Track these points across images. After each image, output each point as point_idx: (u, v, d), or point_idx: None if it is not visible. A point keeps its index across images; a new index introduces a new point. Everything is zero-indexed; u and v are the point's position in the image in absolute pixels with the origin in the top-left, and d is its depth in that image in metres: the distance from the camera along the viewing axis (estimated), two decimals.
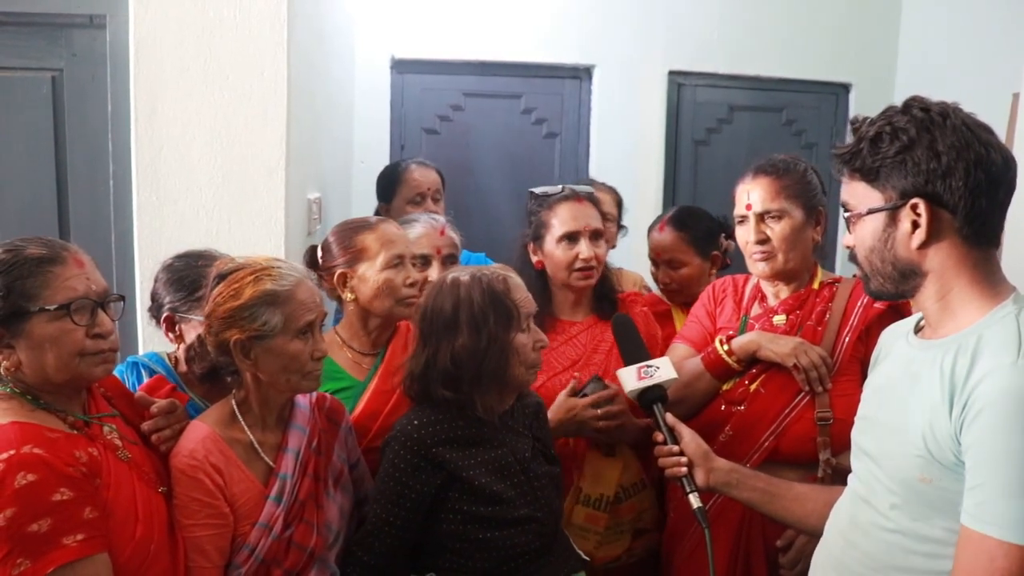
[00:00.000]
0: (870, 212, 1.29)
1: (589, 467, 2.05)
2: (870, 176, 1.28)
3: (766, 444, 1.91)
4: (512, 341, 1.71)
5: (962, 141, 1.21)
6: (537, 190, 2.25)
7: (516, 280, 1.78)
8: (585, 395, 2.00)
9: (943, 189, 1.22)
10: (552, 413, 1.97)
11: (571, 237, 2.13)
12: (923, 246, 1.25)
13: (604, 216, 2.30)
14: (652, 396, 1.72)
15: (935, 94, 1.29)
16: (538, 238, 2.19)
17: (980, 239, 1.25)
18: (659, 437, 1.68)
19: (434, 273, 2.26)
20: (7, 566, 1.23)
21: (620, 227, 2.90)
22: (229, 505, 1.55)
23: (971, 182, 1.20)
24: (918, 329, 1.37)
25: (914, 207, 1.24)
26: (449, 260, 2.35)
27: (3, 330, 1.35)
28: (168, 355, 1.90)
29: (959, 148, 1.21)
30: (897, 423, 1.28)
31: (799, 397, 1.90)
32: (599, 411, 1.98)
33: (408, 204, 2.96)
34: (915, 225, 1.25)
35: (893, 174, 1.25)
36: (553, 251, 2.15)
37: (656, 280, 2.66)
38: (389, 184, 3.04)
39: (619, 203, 2.92)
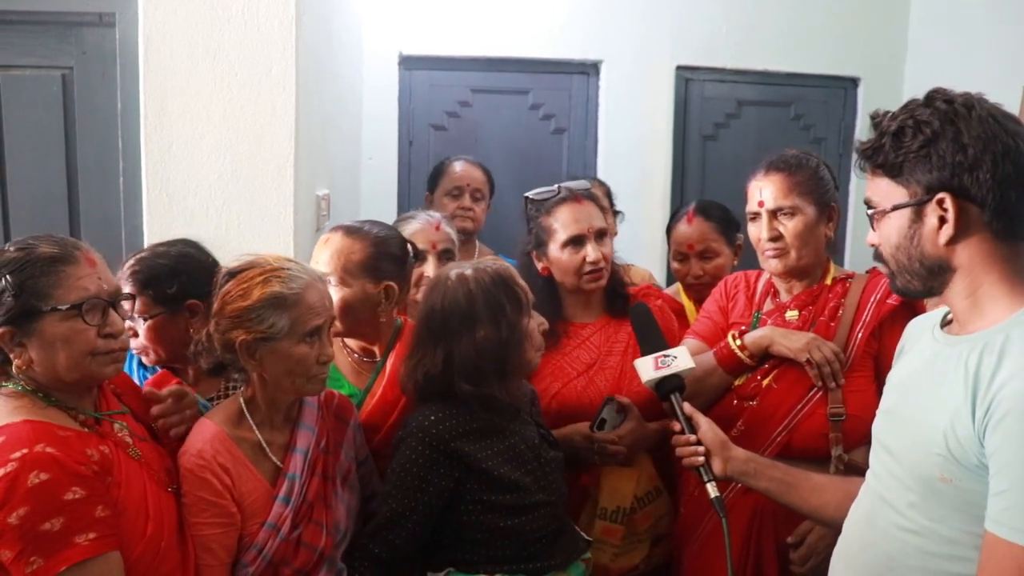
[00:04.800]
0: (895, 208, 1.26)
1: (606, 480, 2.03)
2: (893, 171, 1.25)
3: (778, 439, 1.91)
4: (526, 327, 1.74)
5: (988, 132, 1.18)
6: (532, 194, 2.21)
7: (514, 269, 1.82)
8: (603, 420, 1.99)
9: (970, 182, 1.18)
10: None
11: (576, 241, 2.09)
12: (951, 242, 1.22)
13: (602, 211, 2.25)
14: (669, 386, 1.71)
15: (944, 87, 1.26)
16: (541, 244, 2.16)
17: (1010, 233, 1.21)
18: (676, 427, 1.67)
19: (429, 268, 2.25)
20: (20, 564, 1.24)
21: (616, 213, 2.87)
22: (237, 504, 1.55)
23: (999, 174, 1.17)
24: (945, 323, 1.34)
25: (940, 202, 1.21)
26: (445, 255, 2.33)
27: (15, 329, 1.35)
28: None
29: (985, 140, 1.18)
30: (918, 420, 1.26)
31: (812, 393, 1.89)
32: (594, 445, 1.98)
33: (445, 196, 2.97)
34: (942, 220, 1.21)
35: (917, 168, 1.22)
36: (559, 257, 2.12)
37: (681, 276, 2.62)
38: (434, 176, 3.08)
39: (608, 193, 2.89)
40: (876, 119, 1.29)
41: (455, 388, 1.70)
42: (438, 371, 1.72)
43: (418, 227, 2.34)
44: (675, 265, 2.65)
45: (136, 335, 1.82)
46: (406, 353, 1.81)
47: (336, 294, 1.87)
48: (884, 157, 1.26)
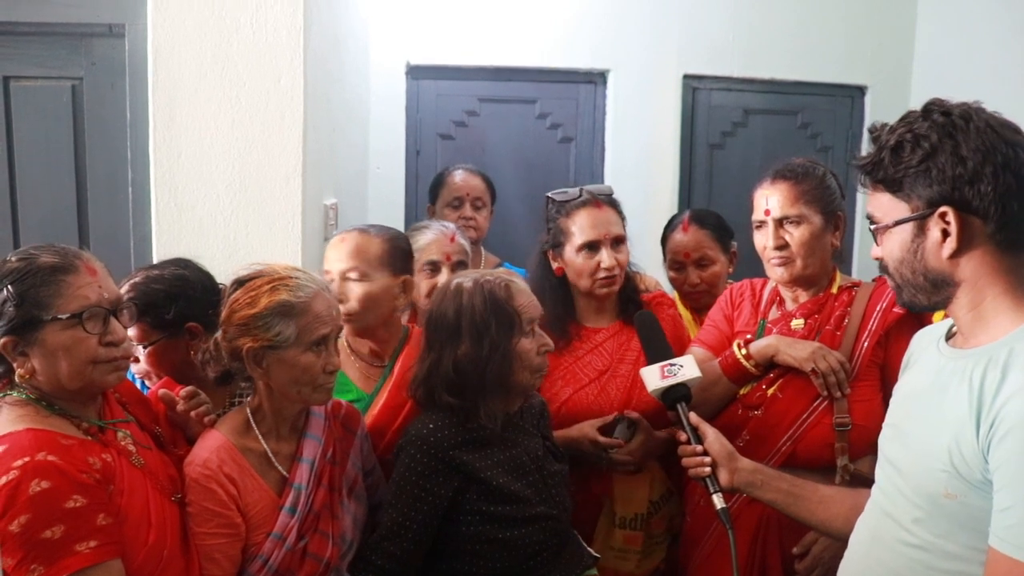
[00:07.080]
0: (897, 224, 1.25)
1: (619, 488, 2.03)
2: (894, 187, 1.24)
3: (783, 449, 1.90)
4: (515, 347, 1.71)
5: (987, 144, 1.17)
6: (554, 194, 2.21)
7: (519, 285, 1.78)
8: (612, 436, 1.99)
9: (971, 195, 1.18)
10: (561, 431, 1.98)
11: (591, 246, 2.10)
12: (955, 255, 1.21)
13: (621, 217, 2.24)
14: (675, 395, 1.69)
15: (952, 96, 1.26)
16: (557, 245, 2.16)
17: (1013, 244, 1.20)
18: (682, 437, 1.65)
19: (443, 280, 2.25)
20: (21, 572, 1.24)
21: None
22: (242, 515, 1.55)
23: (1000, 186, 1.16)
24: (950, 336, 1.33)
25: (943, 215, 1.20)
26: (459, 267, 2.33)
27: (17, 338, 1.37)
28: None
29: (985, 151, 1.17)
30: (923, 435, 1.25)
31: (817, 402, 1.89)
32: (604, 453, 1.99)
33: (446, 207, 2.98)
34: (945, 234, 1.21)
35: (918, 183, 1.21)
36: (574, 260, 2.12)
37: (678, 285, 2.63)
38: (435, 186, 3.09)
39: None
40: (874, 132, 1.28)
41: (437, 397, 1.71)
42: (423, 377, 1.73)
43: (432, 238, 2.34)
44: (671, 274, 2.65)
45: (137, 360, 1.82)
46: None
47: (359, 289, 1.92)
48: (884, 172, 1.25)
